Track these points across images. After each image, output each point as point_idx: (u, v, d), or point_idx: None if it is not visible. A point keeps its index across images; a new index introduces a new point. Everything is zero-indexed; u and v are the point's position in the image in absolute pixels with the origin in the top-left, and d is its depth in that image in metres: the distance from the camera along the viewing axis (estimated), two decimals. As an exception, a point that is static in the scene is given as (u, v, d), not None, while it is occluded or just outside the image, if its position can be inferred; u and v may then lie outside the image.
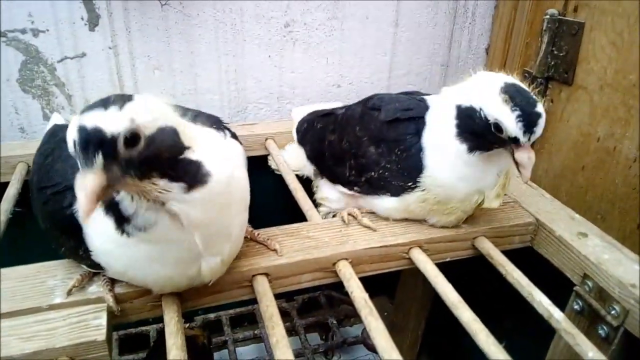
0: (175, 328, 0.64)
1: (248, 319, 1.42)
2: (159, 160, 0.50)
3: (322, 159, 0.92)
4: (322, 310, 1.44)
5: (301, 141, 1.01)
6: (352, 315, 1.47)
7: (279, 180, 1.05)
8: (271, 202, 1.12)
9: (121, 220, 0.54)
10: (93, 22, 1.08)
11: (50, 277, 0.69)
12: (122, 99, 0.48)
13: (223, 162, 0.60)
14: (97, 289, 0.67)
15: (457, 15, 1.33)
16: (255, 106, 1.27)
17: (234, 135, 0.75)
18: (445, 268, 0.81)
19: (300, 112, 1.09)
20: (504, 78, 0.69)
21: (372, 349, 1.36)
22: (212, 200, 0.56)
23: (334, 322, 1.39)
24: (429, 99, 0.80)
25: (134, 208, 0.53)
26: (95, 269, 0.65)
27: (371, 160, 0.79)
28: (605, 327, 0.74)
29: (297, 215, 0.96)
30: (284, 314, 1.39)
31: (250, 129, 1.15)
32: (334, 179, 0.89)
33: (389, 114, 0.79)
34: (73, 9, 1.05)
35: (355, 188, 0.84)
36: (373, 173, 0.80)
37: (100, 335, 0.60)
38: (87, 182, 0.44)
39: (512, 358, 0.62)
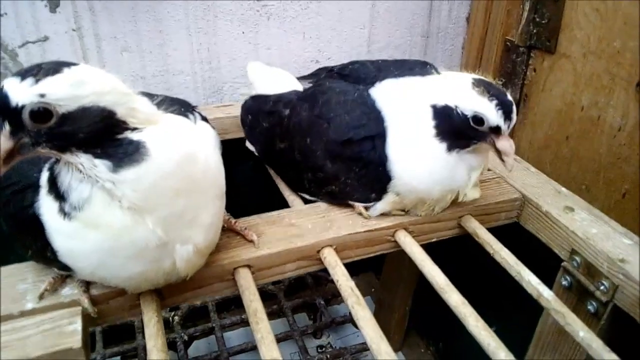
0: (155, 329, 0.61)
1: (235, 302, 1.40)
2: (75, 137, 0.49)
3: (277, 165, 0.90)
4: (308, 291, 1.43)
5: (249, 137, 0.94)
6: (339, 295, 1.46)
7: (259, 163, 1.01)
8: (250, 187, 1.10)
9: (60, 199, 0.53)
10: (54, 3, 1.01)
11: (21, 280, 0.65)
12: (48, 71, 0.48)
13: (176, 143, 0.56)
14: (70, 291, 0.64)
15: (436, -16, 1.29)
16: (231, 86, 1.22)
17: (204, 119, 0.71)
18: (430, 246, 0.80)
19: (255, 71, 1.02)
20: (470, 75, 0.71)
21: (360, 326, 1.36)
22: (155, 182, 0.53)
23: (322, 302, 1.38)
24: (383, 106, 0.74)
25: (68, 181, 0.52)
26: (66, 271, 0.61)
27: (329, 175, 0.76)
28: (594, 303, 0.73)
29: (278, 200, 0.93)
30: (271, 297, 1.38)
31: (227, 110, 1.11)
32: (294, 187, 0.86)
33: (340, 134, 0.73)
34: (31, -10, 0.99)
35: (320, 197, 0.81)
36: (334, 187, 0.77)
37: (77, 342, 0.57)
38: None
39: (500, 334, 0.62)
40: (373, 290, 1.55)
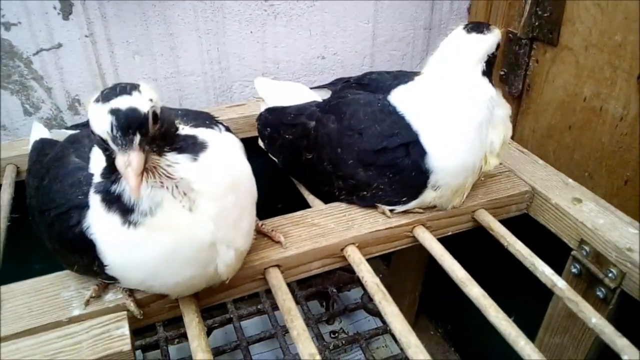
0: (197, 330, 0.65)
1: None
2: (168, 135, 0.56)
3: (302, 175, 0.92)
4: (320, 279, 1.47)
5: (270, 149, 0.96)
6: (349, 282, 1.51)
7: (271, 161, 1.04)
8: (266, 185, 1.12)
9: (125, 212, 0.56)
10: (66, 10, 1.03)
11: (64, 288, 0.69)
12: (133, 85, 0.52)
13: (217, 139, 0.63)
14: (114, 296, 0.68)
15: (438, -24, 1.31)
16: (241, 84, 1.25)
17: (228, 129, 0.74)
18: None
19: (264, 86, 1.04)
20: (456, 32, 0.80)
21: (372, 313, 1.41)
22: (217, 167, 0.59)
23: (334, 290, 1.42)
24: (405, 110, 0.77)
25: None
26: (110, 281, 0.65)
27: (362, 182, 0.79)
28: (603, 289, 0.78)
29: (293, 196, 0.96)
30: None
31: (239, 110, 1.14)
32: (321, 196, 0.89)
33: (374, 143, 0.76)
34: (44, -1, 1.00)
35: (349, 202, 0.85)
36: (366, 192, 0.80)
37: (126, 345, 0.61)
38: (131, 159, 0.49)
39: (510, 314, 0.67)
40: (381, 276, 1.58)
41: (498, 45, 0.79)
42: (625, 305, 0.77)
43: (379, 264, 1.63)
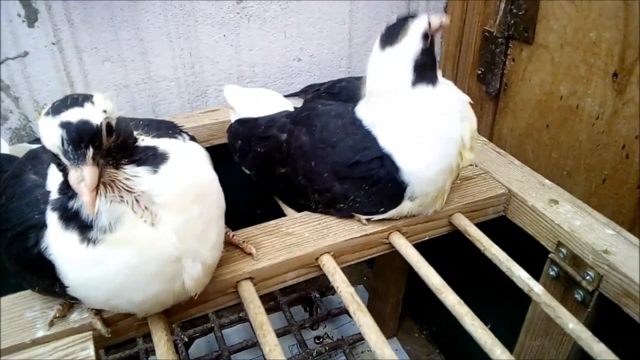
0: (165, 348, 0.63)
1: (231, 300, 1.42)
2: (125, 146, 0.54)
3: (277, 189, 0.90)
4: (303, 284, 1.46)
5: (242, 162, 0.94)
6: (332, 286, 1.49)
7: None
8: (244, 192, 1.11)
9: (84, 229, 0.53)
10: (31, 18, 1.00)
11: (28, 308, 0.67)
12: (86, 96, 0.51)
13: (180, 149, 0.62)
14: (79, 316, 0.65)
15: (414, -25, 1.30)
16: (216, 89, 1.23)
17: (192, 138, 0.73)
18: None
19: (233, 95, 1.01)
20: (374, 48, 0.73)
21: (355, 316, 1.39)
22: (180, 178, 0.57)
23: (317, 295, 1.41)
24: (370, 124, 0.75)
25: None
26: (74, 301, 0.62)
27: (338, 195, 0.77)
28: (581, 292, 0.77)
29: (272, 202, 0.94)
30: (268, 293, 1.40)
31: (213, 116, 1.11)
32: (297, 208, 0.87)
33: (348, 157, 0.75)
34: (7, 6, 0.97)
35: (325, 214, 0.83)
36: (343, 205, 0.79)
37: (91, 367, 0.59)
38: (84, 175, 0.47)
39: (490, 320, 0.66)
40: (365, 279, 1.58)
41: (426, 35, 0.69)
42: (604, 307, 0.76)
43: (364, 267, 1.62)
